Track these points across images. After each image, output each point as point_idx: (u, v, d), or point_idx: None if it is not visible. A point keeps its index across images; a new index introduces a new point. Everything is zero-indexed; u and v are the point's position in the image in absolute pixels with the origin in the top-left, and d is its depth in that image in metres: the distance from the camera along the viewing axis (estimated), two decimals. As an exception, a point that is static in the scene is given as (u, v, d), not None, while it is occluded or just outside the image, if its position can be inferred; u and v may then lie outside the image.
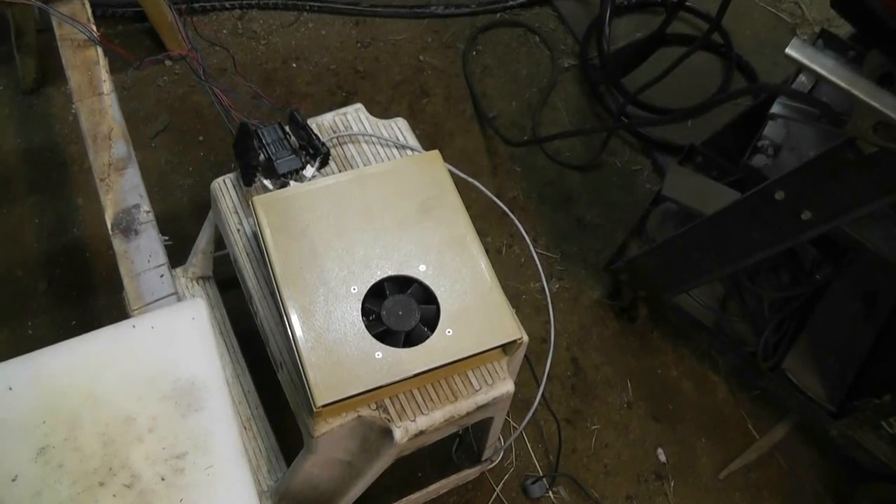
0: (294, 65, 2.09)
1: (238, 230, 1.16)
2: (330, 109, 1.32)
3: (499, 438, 1.48)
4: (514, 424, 1.64)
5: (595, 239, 1.92)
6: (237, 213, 1.17)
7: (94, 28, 1.01)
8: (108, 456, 0.74)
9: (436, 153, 1.18)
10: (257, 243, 1.12)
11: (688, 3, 2.22)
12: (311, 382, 0.94)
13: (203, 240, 1.35)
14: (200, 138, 1.96)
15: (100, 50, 0.99)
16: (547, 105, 2.15)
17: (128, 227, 0.87)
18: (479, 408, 1.08)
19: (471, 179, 1.31)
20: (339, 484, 1.16)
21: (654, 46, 2.13)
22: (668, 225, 1.77)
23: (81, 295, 1.78)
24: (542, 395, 1.35)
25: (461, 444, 1.56)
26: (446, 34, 2.23)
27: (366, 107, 1.31)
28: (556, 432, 1.66)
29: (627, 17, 2.34)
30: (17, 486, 0.72)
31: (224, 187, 1.19)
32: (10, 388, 0.76)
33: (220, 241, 1.34)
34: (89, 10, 1.03)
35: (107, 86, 0.97)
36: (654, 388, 1.76)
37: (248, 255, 1.13)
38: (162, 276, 0.84)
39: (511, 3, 2.32)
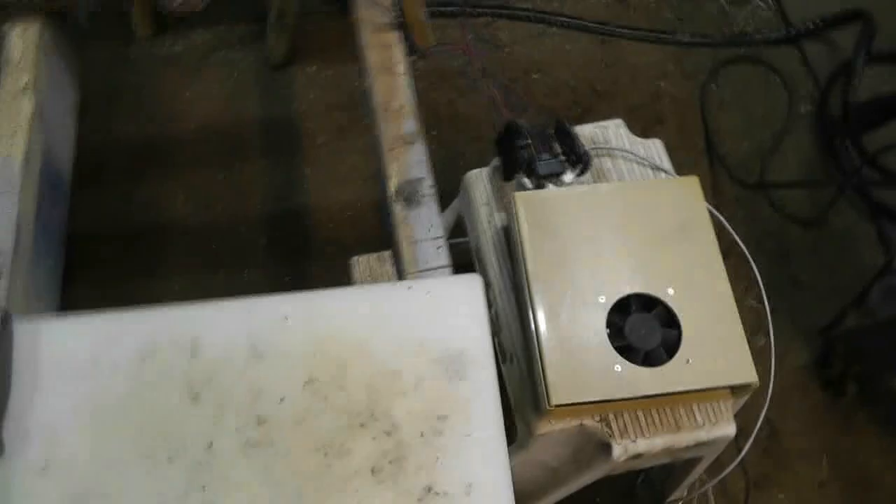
0: (535, 76, 2.13)
1: (488, 221, 1.20)
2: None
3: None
4: (704, 475, 1.58)
5: (809, 301, 1.82)
6: (488, 205, 1.21)
7: (394, 13, 1.08)
8: (372, 402, 0.78)
9: (695, 179, 1.17)
10: (507, 237, 1.16)
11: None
12: (549, 381, 0.96)
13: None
14: (434, 132, 2.04)
15: (398, 34, 1.05)
16: (778, 152, 2.07)
17: (410, 197, 0.92)
18: (698, 444, 1.06)
19: (717, 213, 1.29)
20: (538, 487, 1.17)
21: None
22: (894, 302, 1.65)
23: (296, 257, 1.90)
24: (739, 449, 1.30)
25: (646, 479, 1.53)
26: (688, 64, 2.19)
27: (599, 127, 1.31)
28: (742, 491, 1.58)
29: (879, 69, 2.20)
30: (284, 407, 0.79)
31: (479, 178, 1.24)
32: (286, 319, 0.82)
33: (455, 230, 1.39)
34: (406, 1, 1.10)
35: (401, 67, 1.03)
36: (851, 472, 1.65)
37: (493, 246, 1.17)
38: (439, 247, 0.89)
39: (757, 38, 2.25)
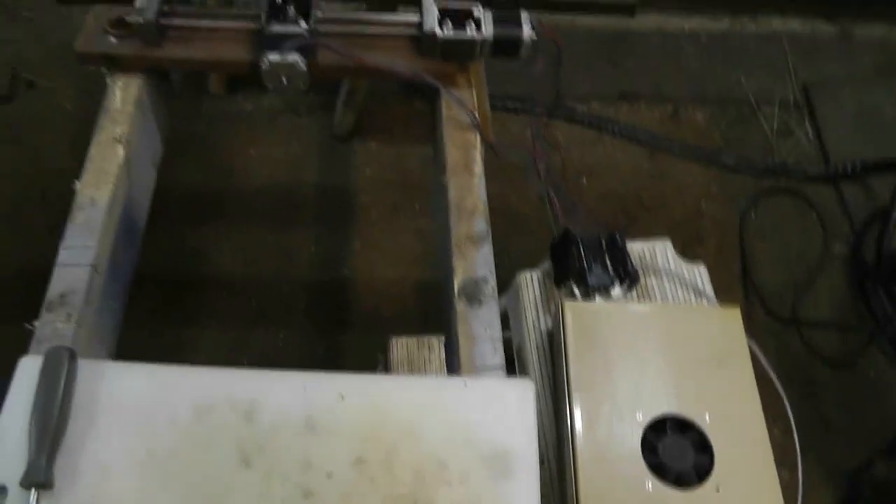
0: (584, 180, 2.20)
1: (534, 323, 1.23)
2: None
3: None
4: None
5: (836, 442, 1.83)
6: (536, 307, 1.25)
7: (478, 115, 1.14)
8: (417, 488, 0.81)
9: (737, 311, 1.20)
10: (551, 341, 1.19)
11: None
12: (581, 491, 0.98)
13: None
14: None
15: (478, 135, 1.11)
16: (811, 289, 2.11)
17: (472, 296, 0.96)
18: (716, 572, 1.06)
19: (754, 346, 1.32)
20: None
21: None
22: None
23: (334, 327, 1.94)
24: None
25: None
26: (731, 187, 2.26)
27: (641, 239, 1.36)
28: None
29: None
30: (331, 483, 0.81)
31: (529, 280, 1.28)
32: (343, 397, 0.86)
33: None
34: (475, 98, 1.16)
35: (478, 168, 1.09)
36: None
37: (536, 347, 1.21)
38: (495, 347, 0.92)
39: (797, 171, 2.32)
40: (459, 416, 0.85)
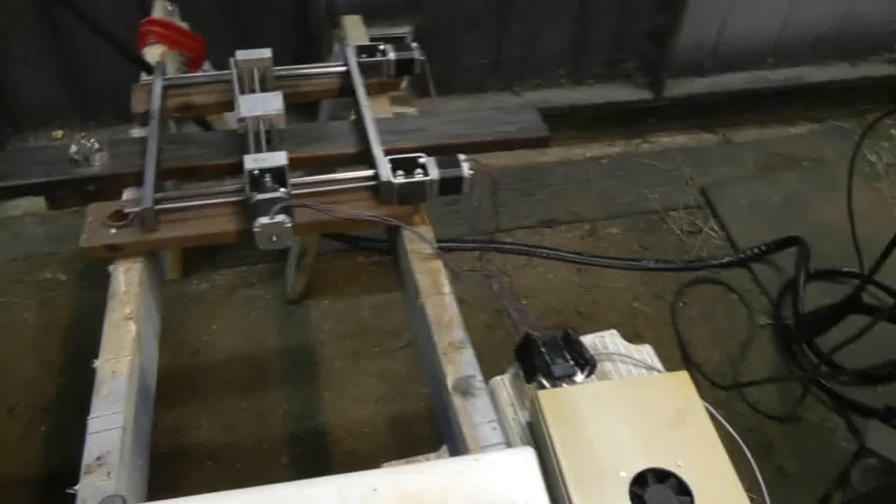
0: (525, 301, 2.41)
1: (513, 418, 1.38)
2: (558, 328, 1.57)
3: None
4: None
5: (795, 488, 1.99)
6: (513, 404, 1.40)
7: (436, 245, 1.34)
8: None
9: (685, 374, 1.38)
10: (531, 430, 1.34)
11: (874, 278, 2.39)
12: (588, 547, 1.10)
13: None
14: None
15: (441, 262, 1.30)
16: (746, 359, 2.32)
17: (466, 391, 1.11)
18: None
19: (709, 407, 1.49)
20: None
21: (846, 312, 2.29)
22: (871, 480, 1.83)
23: (318, 471, 2.00)
24: None
25: None
26: (656, 286, 2.50)
27: (585, 346, 1.54)
28: None
29: (818, 284, 2.50)
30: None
31: (502, 383, 1.44)
32: (375, 490, 0.98)
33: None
34: (432, 233, 1.36)
35: (447, 288, 1.27)
36: None
37: (520, 440, 1.34)
38: (494, 428, 1.07)
39: (711, 262, 2.59)
40: (476, 488, 0.98)
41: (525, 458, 1.00)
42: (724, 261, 2.59)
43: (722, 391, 2.21)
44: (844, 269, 2.48)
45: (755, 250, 2.59)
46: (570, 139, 2.96)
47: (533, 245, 2.59)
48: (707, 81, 3.01)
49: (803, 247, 2.47)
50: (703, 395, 2.19)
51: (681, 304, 2.46)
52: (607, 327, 2.36)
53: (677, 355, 2.31)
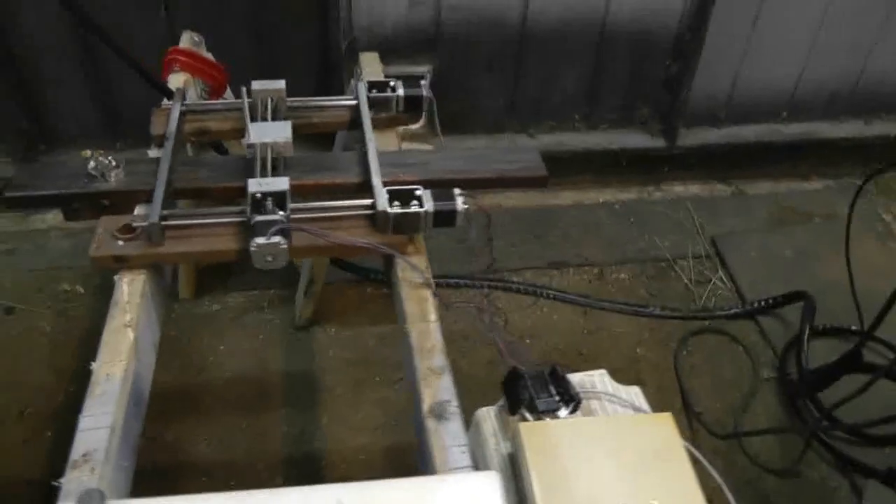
0: (528, 340, 2.43)
1: (495, 449, 1.40)
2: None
3: None
4: None
5: (795, 545, 1.98)
6: (496, 436, 1.43)
7: (429, 276, 1.38)
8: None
9: (668, 415, 1.40)
10: (512, 462, 1.36)
11: (874, 334, 2.37)
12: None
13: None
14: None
15: (430, 291, 1.34)
16: (748, 411, 2.31)
17: (440, 414, 1.15)
18: None
19: (696, 452, 1.50)
20: None
21: (847, 370, 2.28)
22: (871, 545, 1.81)
23: (311, 497, 2.05)
24: None
25: None
26: (661, 333, 2.51)
27: (586, 385, 1.57)
28: None
29: (824, 340, 2.49)
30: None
31: (487, 415, 1.47)
32: (339, 502, 1.01)
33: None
34: (425, 263, 1.41)
35: (433, 316, 1.31)
36: None
37: (501, 470, 1.36)
38: (463, 451, 1.10)
39: (718, 313, 2.60)
40: (440, 507, 1.00)
41: (489, 482, 1.03)
42: (730, 312, 2.60)
43: (721, 441, 2.20)
44: (846, 327, 2.48)
45: (762, 303, 2.59)
46: (583, 183, 3.00)
47: (540, 286, 2.62)
48: (721, 132, 3.04)
49: (809, 302, 2.48)
50: (701, 444, 2.22)
51: (684, 352, 2.46)
52: (609, 371, 2.37)
53: (678, 403, 2.31)
